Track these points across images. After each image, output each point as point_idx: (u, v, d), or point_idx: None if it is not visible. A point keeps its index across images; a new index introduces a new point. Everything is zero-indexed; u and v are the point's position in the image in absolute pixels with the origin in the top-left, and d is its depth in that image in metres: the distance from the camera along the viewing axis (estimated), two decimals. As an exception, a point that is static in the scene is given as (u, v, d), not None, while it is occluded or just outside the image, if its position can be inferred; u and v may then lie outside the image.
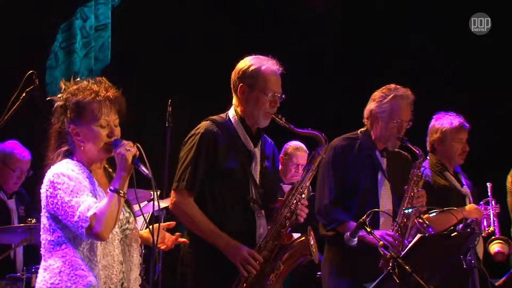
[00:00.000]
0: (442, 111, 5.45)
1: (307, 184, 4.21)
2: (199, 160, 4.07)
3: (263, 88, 4.13)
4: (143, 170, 3.34)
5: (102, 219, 3.18)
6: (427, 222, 4.48)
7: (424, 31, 7.99)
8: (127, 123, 3.44)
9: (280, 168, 6.90)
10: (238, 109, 4.21)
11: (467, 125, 5.40)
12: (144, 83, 7.54)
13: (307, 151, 6.52)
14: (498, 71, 7.74)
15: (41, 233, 3.32)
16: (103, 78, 3.43)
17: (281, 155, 6.91)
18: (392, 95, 4.81)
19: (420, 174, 4.80)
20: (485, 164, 6.77)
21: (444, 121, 5.37)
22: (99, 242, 3.28)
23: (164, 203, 5.12)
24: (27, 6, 7.06)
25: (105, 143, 3.33)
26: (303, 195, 4.14)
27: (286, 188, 4.46)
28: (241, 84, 4.17)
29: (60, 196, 3.20)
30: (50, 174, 3.26)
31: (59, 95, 3.37)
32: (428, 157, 5.32)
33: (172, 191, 4.15)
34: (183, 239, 3.90)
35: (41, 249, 3.32)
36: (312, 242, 4.08)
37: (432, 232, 4.34)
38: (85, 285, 3.23)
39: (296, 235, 4.17)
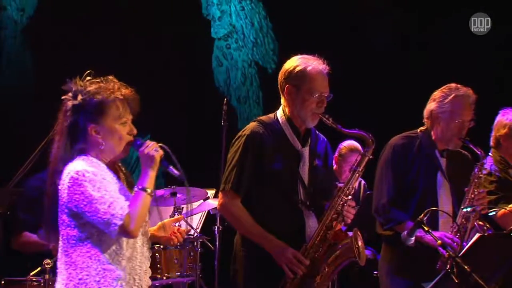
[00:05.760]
0: (509, 107, 5.37)
1: (354, 185, 4.16)
2: (245, 162, 4.07)
3: (309, 88, 4.10)
4: (173, 171, 3.38)
5: (135, 217, 3.22)
6: (487, 224, 4.39)
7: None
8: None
9: (335, 167, 6.87)
10: (286, 110, 4.20)
11: None
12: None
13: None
14: None
15: (60, 229, 3.30)
16: (113, 77, 3.44)
17: (335, 155, 6.87)
18: (453, 95, 4.72)
19: (481, 176, 4.71)
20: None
21: None
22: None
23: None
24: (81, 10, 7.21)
25: (127, 142, 3.37)
26: (349, 196, 4.11)
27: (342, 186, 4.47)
28: (287, 85, 4.15)
29: (88, 193, 3.20)
30: (72, 172, 3.25)
31: (77, 96, 3.35)
32: (490, 153, 5.22)
33: (220, 193, 4.18)
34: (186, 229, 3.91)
35: (61, 244, 3.31)
36: (359, 244, 4.04)
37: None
38: (114, 279, 3.27)
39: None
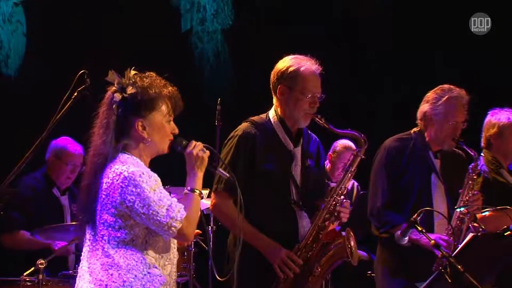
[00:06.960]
0: (497, 108, 5.39)
1: (346, 185, 4.17)
2: (237, 162, 4.07)
3: (302, 89, 4.11)
4: (222, 172, 3.39)
5: (192, 220, 3.19)
6: (482, 226, 4.40)
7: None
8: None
9: (328, 166, 6.90)
10: (278, 110, 4.21)
11: None
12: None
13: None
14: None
15: (100, 228, 3.16)
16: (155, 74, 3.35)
17: (329, 152, 6.90)
18: (446, 97, 4.72)
19: (475, 177, 4.72)
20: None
21: (501, 116, 5.30)
22: (171, 240, 3.26)
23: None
24: (79, 5, 7.18)
25: (170, 140, 3.30)
26: (342, 196, 4.11)
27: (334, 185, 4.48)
28: (280, 85, 4.16)
29: (145, 195, 3.09)
30: (125, 172, 3.12)
31: (127, 88, 3.22)
32: (482, 154, 5.23)
33: (212, 193, 4.17)
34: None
35: (99, 244, 3.16)
36: (351, 244, 4.05)
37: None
38: (161, 284, 3.19)
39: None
